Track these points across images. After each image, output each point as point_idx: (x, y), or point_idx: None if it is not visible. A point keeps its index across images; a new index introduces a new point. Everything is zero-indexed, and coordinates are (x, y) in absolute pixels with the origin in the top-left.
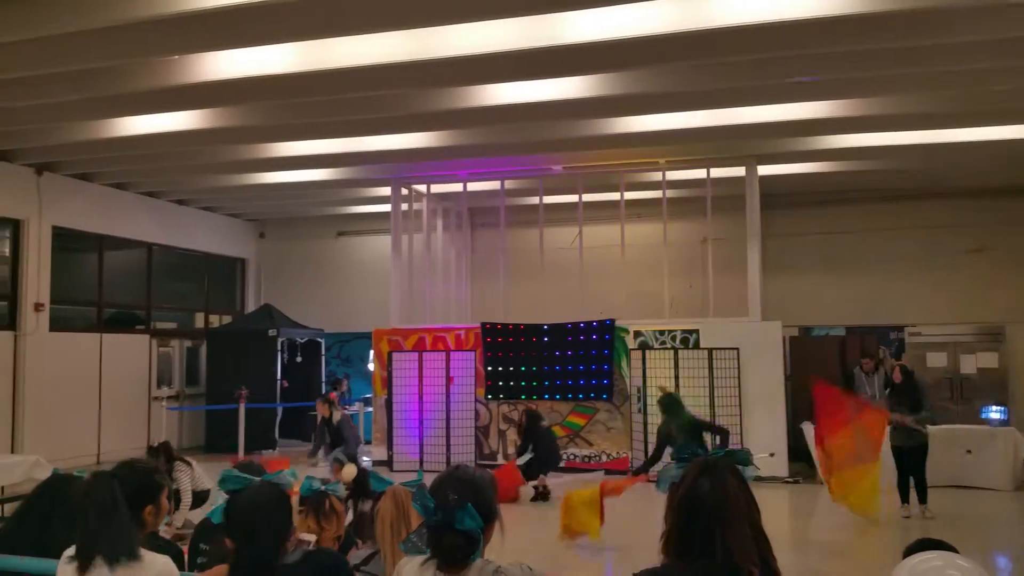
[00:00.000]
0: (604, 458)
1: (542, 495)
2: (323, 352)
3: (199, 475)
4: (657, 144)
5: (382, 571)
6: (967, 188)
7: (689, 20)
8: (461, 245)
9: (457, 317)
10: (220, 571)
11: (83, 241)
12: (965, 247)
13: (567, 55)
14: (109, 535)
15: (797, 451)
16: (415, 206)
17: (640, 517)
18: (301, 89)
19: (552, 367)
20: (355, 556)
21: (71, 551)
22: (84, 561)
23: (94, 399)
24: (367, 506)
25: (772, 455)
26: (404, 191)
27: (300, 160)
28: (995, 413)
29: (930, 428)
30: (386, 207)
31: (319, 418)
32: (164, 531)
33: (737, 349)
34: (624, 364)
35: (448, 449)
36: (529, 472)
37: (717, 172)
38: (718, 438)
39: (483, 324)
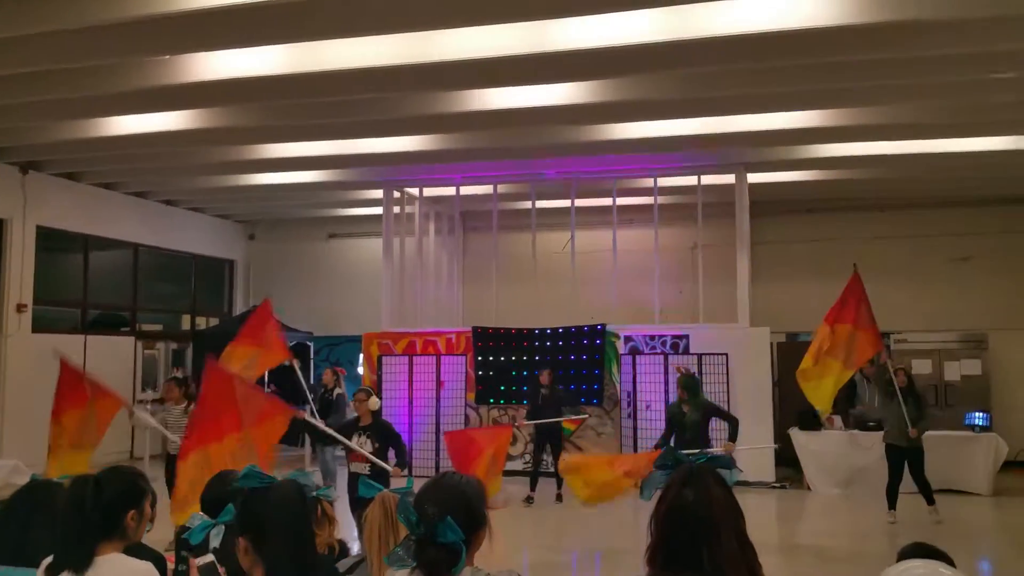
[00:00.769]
0: None
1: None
2: (312, 355)
3: None
4: (649, 150)
5: None
6: (953, 197)
7: (681, 29)
8: (453, 249)
9: (448, 321)
10: None
11: (68, 241)
12: (951, 256)
13: (560, 61)
14: (69, 543)
15: (784, 456)
16: (407, 209)
17: (630, 522)
18: (293, 91)
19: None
20: (342, 564)
21: (49, 559)
22: (54, 572)
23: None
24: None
25: (778, 446)
26: (396, 194)
27: (291, 162)
28: (978, 419)
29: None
30: (378, 210)
31: (321, 389)
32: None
33: (726, 355)
34: (614, 369)
35: (437, 454)
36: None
37: (707, 179)
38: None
39: (474, 328)
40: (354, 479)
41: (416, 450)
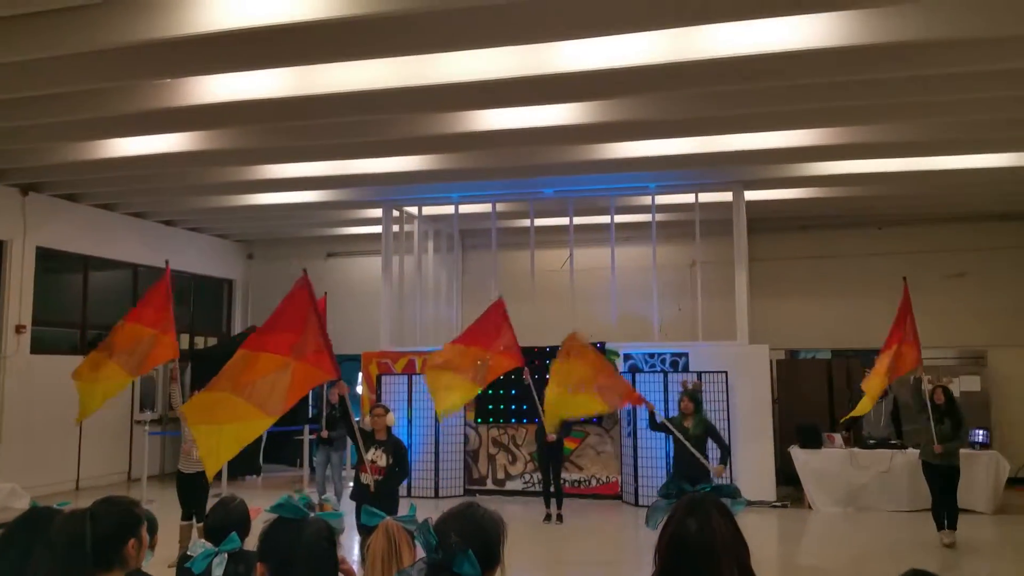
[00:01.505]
0: (594, 482)
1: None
2: None
3: None
4: (647, 169)
5: None
6: (950, 214)
7: (679, 51)
8: (452, 267)
9: (448, 340)
10: None
11: (68, 262)
12: (948, 272)
13: (558, 83)
14: None
15: (785, 474)
16: (406, 228)
17: (630, 538)
18: (292, 113)
19: (542, 390)
20: None
21: None
22: None
23: (75, 423)
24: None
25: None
26: (395, 213)
27: (290, 182)
28: (978, 436)
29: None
30: (377, 228)
31: (328, 403)
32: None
33: (725, 372)
34: None
35: (437, 474)
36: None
37: (705, 197)
38: (718, 452)
39: None
40: (359, 496)
41: (415, 470)
